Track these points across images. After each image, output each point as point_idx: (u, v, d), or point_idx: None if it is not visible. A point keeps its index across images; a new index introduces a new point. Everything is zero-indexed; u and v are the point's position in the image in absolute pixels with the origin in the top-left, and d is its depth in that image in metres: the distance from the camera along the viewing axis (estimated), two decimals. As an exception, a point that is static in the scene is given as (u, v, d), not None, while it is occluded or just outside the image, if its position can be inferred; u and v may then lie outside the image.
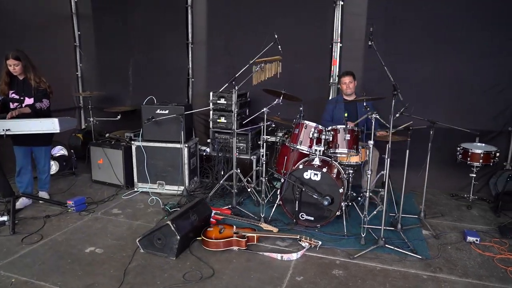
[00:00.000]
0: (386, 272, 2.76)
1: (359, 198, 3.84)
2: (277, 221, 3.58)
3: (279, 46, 3.62)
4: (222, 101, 4.54)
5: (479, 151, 3.90)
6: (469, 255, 3.02)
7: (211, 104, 4.57)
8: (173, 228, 2.84)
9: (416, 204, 4.09)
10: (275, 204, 3.66)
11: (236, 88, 3.76)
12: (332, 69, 4.80)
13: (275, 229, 3.37)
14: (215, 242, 3.03)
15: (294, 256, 2.93)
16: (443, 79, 4.45)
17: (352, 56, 4.68)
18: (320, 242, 3.07)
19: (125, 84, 5.81)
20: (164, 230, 2.87)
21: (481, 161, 3.89)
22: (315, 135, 3.55)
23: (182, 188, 4.24)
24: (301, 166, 3.43)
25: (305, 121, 3.65)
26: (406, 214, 3.61)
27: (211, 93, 4.59)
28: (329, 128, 3.59)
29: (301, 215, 3.49)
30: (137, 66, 5.70)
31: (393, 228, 3.35)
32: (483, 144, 4.11)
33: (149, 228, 3.02)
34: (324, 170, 3.37)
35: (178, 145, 4.18)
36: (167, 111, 4.18)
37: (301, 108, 3.68)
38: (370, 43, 3.21)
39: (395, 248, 3.03)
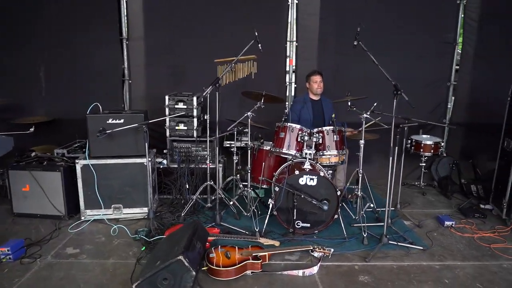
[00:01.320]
0: (404, 269, 2.81)
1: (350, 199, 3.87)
2: (271, 233, 3.32)
3: (259, 45, 3.35)
4: (181, 105, 4.01)
5: (430, 142, 4.32)
6: (454, 239, 3.31)
7: (167, 109, 4.00)
8: (186, 264, 2.34)
9: (381, 196, 4.32)
10: (267, 215, 3.38)
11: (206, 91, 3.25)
12: (288, 69, 4.72)
13: (276, 243, 3.12)
14: (226, 271, 2.62)
15: (315, 269, 2.74)
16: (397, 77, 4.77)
17: (306, 55, 4.67)
18: (332, 250, 2.95)
19: (36, 88, 4.68)
20: (174, 267, 2.34)
21: (432, 151, 4.33)
22: (305, 138, 3.40)
23: (144, 209, 3.61)
24: (297, 172, 3.24)
25: (291, 124, 3.48)
26: (381, 208, 3.75)
27: (166, 97, 4.01)
28: (315, 130, 3.50)
29: (296, 223, 3.32)
30: (53, 66, 4.64)
31: (382, 224, 3.45)
32: (429, 136, 4.58)
33: (132, 266, 2.49)
34: (322, 174, 3.26)
35: (138, 160, 3.53)
36: (122, 121, 3.48)
37: (286, 110, 3.49)
38: (355, 43, 3.23)
39: (398, 243, 3.12)
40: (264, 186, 3.87)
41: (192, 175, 3.95)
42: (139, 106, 4.72)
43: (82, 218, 3.54)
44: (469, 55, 4.69)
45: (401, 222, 3.64)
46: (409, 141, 4.46)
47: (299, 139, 3.43)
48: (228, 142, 4.02)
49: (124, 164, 3.53)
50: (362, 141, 3.34)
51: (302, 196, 3.17)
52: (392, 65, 3.32)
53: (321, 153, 3.48)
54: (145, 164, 3.52)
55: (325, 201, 3.19)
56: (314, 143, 3.39)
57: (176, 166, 3.96)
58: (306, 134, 3.40)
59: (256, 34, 3.32)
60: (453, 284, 2.61)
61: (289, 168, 3.46)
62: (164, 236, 3.06)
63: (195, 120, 4.02)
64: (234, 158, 3.84)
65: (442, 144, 4.44)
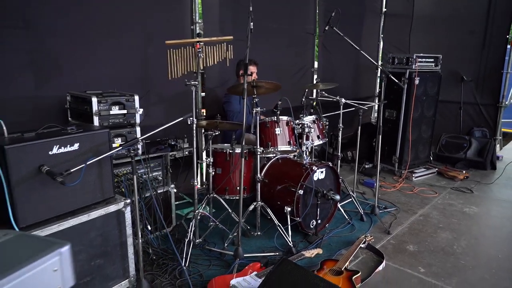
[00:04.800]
0: (422, 222, 3.28)
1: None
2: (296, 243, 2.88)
3: (251, 23, 2.64)
4: (117, 110, 2.56)
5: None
6: (394, 194, 4.05)
7: (97, 117, 2.45)
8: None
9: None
10: (288, 226, 2.86)
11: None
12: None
13: (319, 250, 2.76)
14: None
15: (383, 263, 2.67)
16: (268, 65, 4.90)
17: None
18: (369, 235, 2.95)
19: None
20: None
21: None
22: (300, 130, 3.07)
23: (123, 283, 2.19)
24: (315, 168, 2.90)
25: (282, 117, 3.04)
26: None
27: (94, 99, 2.43)
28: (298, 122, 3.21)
29: (311, 223, 3.04)
30: None
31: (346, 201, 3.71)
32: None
33: None
34: (330, 164, 3.09)
35: (112, 208, 2.06)
36: (76, 146, 1.88)
37: (279, 102, 2.97)
38: (326, 28, 3.22)
39: (385, 210, 3.52)
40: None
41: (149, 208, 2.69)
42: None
43: None
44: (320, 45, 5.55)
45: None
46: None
47: (295, 132, 3.07)
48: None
49: (90, 222, 1.97)
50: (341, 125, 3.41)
51: (325, 192, 2.93)
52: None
53: (310, 143, 3.26)
54: (123, 210, 2.12)
55: (332, 191, 3.10)
56: (311, 134, 3.14)
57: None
58: (300, 126, 3.09)
59: (251, 9, 2.61)
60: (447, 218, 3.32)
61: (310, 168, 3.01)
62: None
63: (138, 129, 2.71)
64: (210, 170, 2.93)
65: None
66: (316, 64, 5.55)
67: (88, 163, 1.81)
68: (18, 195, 1.71)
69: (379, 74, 6.60)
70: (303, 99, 3.56)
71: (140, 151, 2.62)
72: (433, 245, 2.93)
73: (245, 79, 2.34)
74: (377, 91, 6.76)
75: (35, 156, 1.75)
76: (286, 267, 2.11)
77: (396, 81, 3.38)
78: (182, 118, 2.45)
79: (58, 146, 1.82)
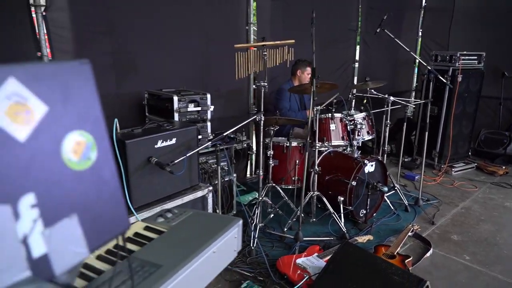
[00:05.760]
0: (465, 212, 3.50)
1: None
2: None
3: (313, 29, 2.90)
4: (192, 107, 2.90)
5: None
6: (435, 187, 4.25)
7: (177, 114, 2.79)
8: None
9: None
10: (341, 214, 3.15)
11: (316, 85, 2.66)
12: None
13: (370, 237, 3.04)
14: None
15: (430, 250, 2.91)
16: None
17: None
18: (416, 225, 3.19)
19: None
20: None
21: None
22: (352, 126, 3.33)
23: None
24: (366, 162, 3.17)
25: (336, 114, 3.30)
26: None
27: (175, 98, 2.77)
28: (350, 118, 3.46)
29: (361, 212, 3.31)
30: None
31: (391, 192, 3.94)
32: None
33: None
34: (379, 157, 3.34)
35: (199, 194, 2.41)
36: (173, 141, 2.23)
37: (337, 99, 3.22)
38: (377, 30, 3.42)
39: (427, 202, 3.73)
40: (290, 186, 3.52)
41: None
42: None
43: None
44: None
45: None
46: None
47: (348, 128, 3.33)
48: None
49: (183, 205, 2.32)
50: (388, 122, 3.63)
51: (375, 184, 3.19)
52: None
53: (362, 138, 3.51)
54: (206, 196, 2.46)
55: (380, 183, 3.34)
56: (363, 130, 3.39)
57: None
58: (352, 122, 3.34)
59: (314, 15, 2.86)
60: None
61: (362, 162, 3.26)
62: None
63: (209, 124, 3.04)
64: (271, 162, 3.24)
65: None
66: (357, 56, 5.72)
67: (188, 155, 2.15)
68: (133, 181, 2.07)
69: (416, 69, 6.69)
70: (350, 96, 3.80)
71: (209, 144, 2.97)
72: (476, 236, 3.15)
73: (313, 82, 2.60)
74: (414, 85, 6.85)
75: (145, 149, 2.10)
76: (348, 249, 2.40)
77: (445, 81, 3.56)
78: (253, 118, 2.75)
79: (161, 140, 2.16)
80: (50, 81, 0.45)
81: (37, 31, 2.78)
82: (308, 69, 3.89)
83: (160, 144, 2.16)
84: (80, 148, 0.48)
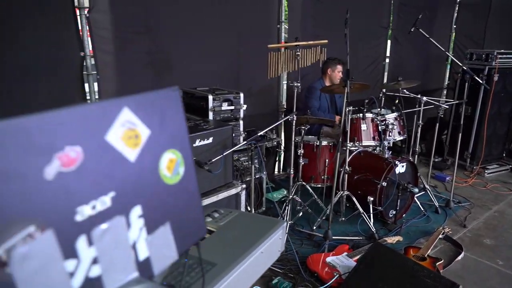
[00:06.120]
0: (497, 216, 3.45)
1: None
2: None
3: (347, 29, 2.91)
4: (226, 106, 2.98)
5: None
6: (467, 189, 4.17)
7: (212, 112, 2.88)
8: None
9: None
10: (371, 214, 3.17)
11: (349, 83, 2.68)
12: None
13: (400, 238, 3.04)
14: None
15: (462, 254, 2.89)
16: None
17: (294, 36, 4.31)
18: (447, 227, 3.17)
19: None
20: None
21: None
22: (384, 127, 3.32)
23: None
24: (397, 162, 3.16)
25: (367, 114, 3.30)
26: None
27: (210, 97, 2.86)
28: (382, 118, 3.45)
29: (390, 212, 3.31)
30: None
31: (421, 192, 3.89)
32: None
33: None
34: (411, 159, 3.33)
35: (233, 191, 2.49)
36: (211, 140, 2.31)
37: (368, 100, 3.23)
38: (412, 29, 3.37)
39: (459, 205, 3.68)
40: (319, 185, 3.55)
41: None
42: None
43: None
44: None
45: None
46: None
47: (380, 129, 3.32)
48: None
49: (218, 202, 2.42)
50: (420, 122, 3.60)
51: (405, 185, 3.18)
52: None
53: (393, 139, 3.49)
54: (240, 193, 2.54)
55: (411, 184, 3.32)
56: (394, 130, 3.38)
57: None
58: (383, 123, 3.33)
59: (348, 15, 2.86)
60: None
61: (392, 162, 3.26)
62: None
63: (241, 123, 3.12)
64: (301, 161, 3.28)
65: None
66: (388, 52, 5.63)
67: (225, 153, 2.23)
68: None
69: (449, 67, 6.51)
70: (381, 94, 3.76)
71: (241, 141, 3.04)
72: (510, 241, 3.09)
73: (347, 84, 2.62)
74: (446, 83, 6.68)
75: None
76: (379, 249, 2.42)
77: (481, 82, 3.48)
78: (286, 118, 2.80)
79: (199, 139, 2.25)
80: (151, 107, 0.52)
81: (80, 31, 2.92)
82: (339, 67, 3.88)
83: (198, 143, 2.24)
84: (172, 164, 0.55)
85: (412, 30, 3.37)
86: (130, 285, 0.47)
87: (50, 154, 0.39)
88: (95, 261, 0.44)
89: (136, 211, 0.50)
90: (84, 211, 0.44)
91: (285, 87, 4.28)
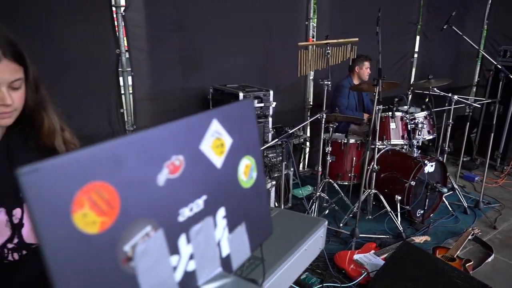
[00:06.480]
0: None
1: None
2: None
3: (378, 28, 2.89)
4: (256, 103, 3.03)
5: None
6: (496, 190, 4.09)
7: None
8: None
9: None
10: (398, 213, 3.17)
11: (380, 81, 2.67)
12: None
13: (428, 238, 3.03)
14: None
15: (492, 256, 2.86)
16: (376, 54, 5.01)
17: (321, 35, 4.30)
18: (476, 228, 3.13)
19: None
20: None
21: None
22: (413, 126, 3.30)
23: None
24: (426, 162, 3.14)
25: (397, 113, 3.29)
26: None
27: (241, 94, 2.92)
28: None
29: (418, 212, 3.30)
30: None
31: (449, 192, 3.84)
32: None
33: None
34: (440, 159, 3.30)
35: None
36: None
37: (398, 98, 3.21)
38: (444, 27, 3.31)
39: (488, 206, 3.62)
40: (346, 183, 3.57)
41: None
42: (144, 111, 3.26)
43: None
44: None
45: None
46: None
47: (409, 128, 3.30)
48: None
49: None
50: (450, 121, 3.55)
51: (434, 185, 3.16)
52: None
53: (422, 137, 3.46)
54: (270, 190, 2.59)
55: (439, 184, 3.29)
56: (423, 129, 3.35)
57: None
58: (413, 121, 3.31)
59: (379, 14, 2.85)
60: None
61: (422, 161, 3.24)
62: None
63: (270, 120, 3.16)
64: (329, 158, 3.31)
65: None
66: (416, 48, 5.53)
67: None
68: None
69: (479, 63, 6.33)
70: (409, 92, 3.72)
71: (270, 138, 3.09)
72: (543, 244, 3.03)
73: (379, 83, 2.61)
74: (476, 80, 6.50)
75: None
76: (408, 248, 2.43)
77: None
78: (316, 116, 2.82)
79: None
80: (233, 117, 0.57)
81: (116, 29, 3.02)
82: (366, 64, 3.86)
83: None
84: (247, 169, 0.60)
85: (444, 27, 3.31)
86: (216, 279, 0.52)
87: (161, 163, 0.45)
88: (191, 257, 0.50)
89: (221, 212, 0.56)
90: (185, 213, 0.49)
91: (312, 84, 4.29)
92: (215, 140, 0.53)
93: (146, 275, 0.42)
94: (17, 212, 1.00)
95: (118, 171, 0.40)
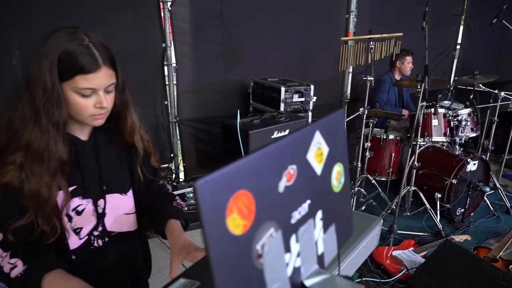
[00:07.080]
0: None
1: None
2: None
3: (425, 23, 2.83)
4: (297, 98, 3.07)
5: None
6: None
7: (283, 104, 2.98)
8: None
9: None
10: (438, 210, 3.14)
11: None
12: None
13: (468, 237, 2.99)
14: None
15: (538, 253, 2.80)
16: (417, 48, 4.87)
17: (361, 29, 4.25)
18: (520, 228, 3.06)
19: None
20: None
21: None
22: (456, 123, 3.23)
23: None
24: (469, 160, 3.09)
25: (440, 110, 3.23)
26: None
27: (282, 88, 2.97)
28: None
29: (458, 210, 3.25)
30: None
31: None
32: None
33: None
34: (484, 157, 3.23)
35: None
36: (287, 131, 2.43)
37: (442, 94, 3.16)
38: (494, 21, 3.20)
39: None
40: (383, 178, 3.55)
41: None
42: (187, 103, 3.37)
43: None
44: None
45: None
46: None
47: (452, 125, 3.24)
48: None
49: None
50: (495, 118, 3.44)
51: (476, 183, 3.10)
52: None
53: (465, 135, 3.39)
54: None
55: (481, 183, 3.22)
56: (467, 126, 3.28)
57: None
58: (456, 119, 3.24)
59: (427, 9, 2.79)
60: None
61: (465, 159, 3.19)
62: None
63: (310, 114, 3.19)
64: (367, 154, 3.31)
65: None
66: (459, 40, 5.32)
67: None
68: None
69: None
70: (450, 86, 3.62)
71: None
72: None
73: (425, 80, 2.58)
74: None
75: (262, 138, 2.32)
76: (450, 247, 2.42)
77: None
78: (358, 113, 2.82)
79: (277, 131, 2.37)
80: (330, 128, 0.62)
81: (163, 24, 3.12)
82: (408, 58, 3.78)
83: (275, 134, 2.36)
84: (338, 175, 0.65)
85: (494, 21, 3.20)
86: (314, 275, 0.58)
87: (281, 172, 0.51)
88: (298, 254, 0.56)
89: (319, 214, 0.62)
90: (295, 216, 0.56)
91: (350, 78, 4.26)
92: (317, 150, 0.58)
93: (270, 270, 0.49)
94: (101, 202, 1.10)
95: (255, 180, 0.46)
